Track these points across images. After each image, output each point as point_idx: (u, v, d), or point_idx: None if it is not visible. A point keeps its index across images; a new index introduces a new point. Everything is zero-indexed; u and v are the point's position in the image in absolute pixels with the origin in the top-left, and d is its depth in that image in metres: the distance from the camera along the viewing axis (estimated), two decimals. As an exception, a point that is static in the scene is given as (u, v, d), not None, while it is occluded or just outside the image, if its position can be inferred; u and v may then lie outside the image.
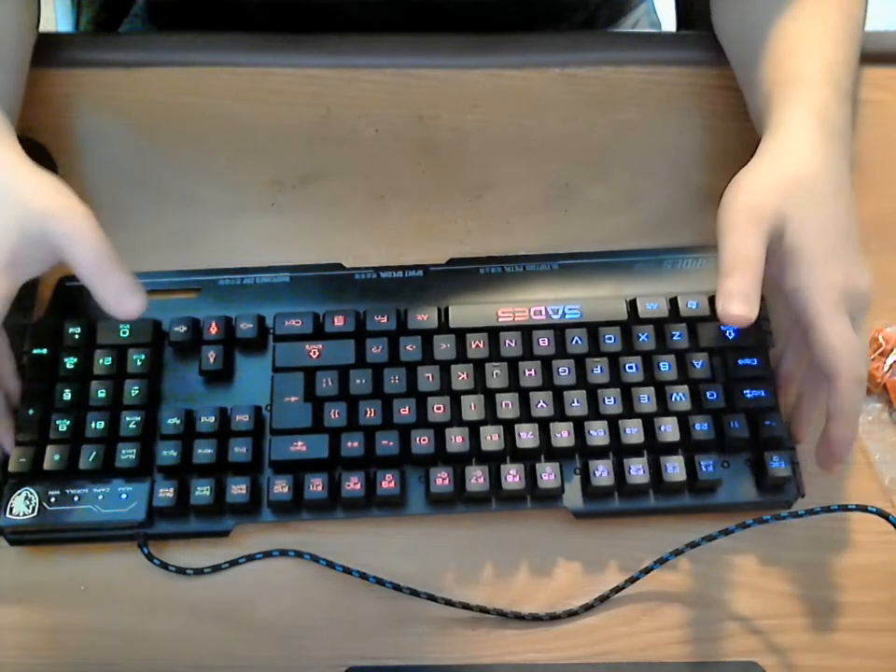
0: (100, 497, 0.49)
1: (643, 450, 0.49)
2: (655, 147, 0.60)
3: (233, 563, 0.49)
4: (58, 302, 0.54)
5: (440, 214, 0.58)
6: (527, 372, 0.50)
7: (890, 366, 0.52)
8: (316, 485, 0.48)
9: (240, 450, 0.49)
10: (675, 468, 0.48)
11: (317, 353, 0.51)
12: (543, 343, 0.51)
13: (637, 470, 0.48)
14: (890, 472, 0.51)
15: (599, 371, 0.50)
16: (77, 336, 0.51)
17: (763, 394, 0.50)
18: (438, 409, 0.49)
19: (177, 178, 0.58)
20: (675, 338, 0.51)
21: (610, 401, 0.50)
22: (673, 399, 0.50)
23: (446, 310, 0.52)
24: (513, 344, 0.51)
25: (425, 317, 0.52)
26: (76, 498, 0.49)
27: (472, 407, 0.50)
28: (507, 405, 0.50)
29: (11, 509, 0.48)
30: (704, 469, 0.48)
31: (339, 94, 0.61)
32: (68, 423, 0.49)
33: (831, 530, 0.50)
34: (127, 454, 0.49)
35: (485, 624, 0.48)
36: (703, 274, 0.54)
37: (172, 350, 0.52)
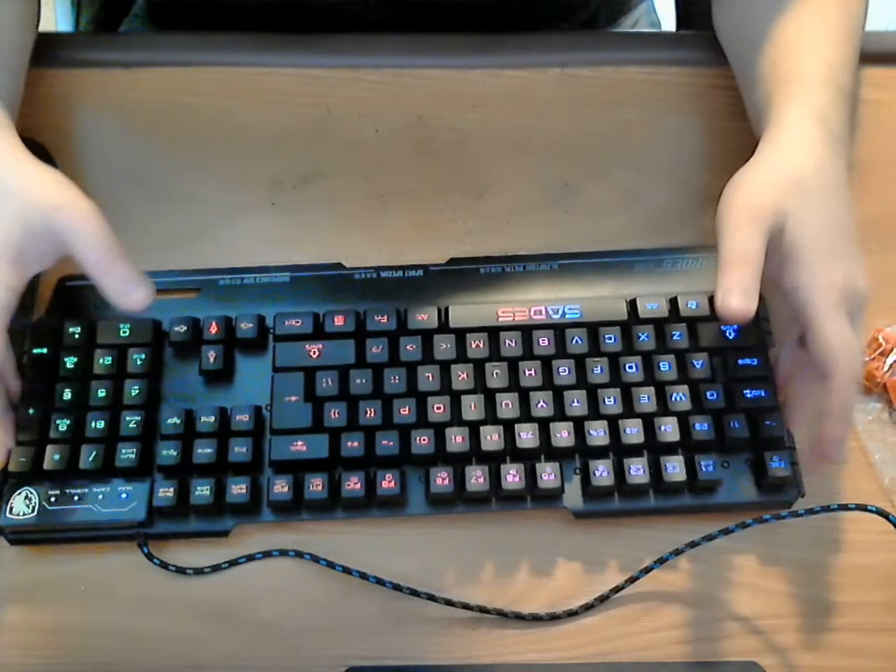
0: (100, 496, 0.49)
1: (643, 450, 0.49)
2: (655, 147, 0.60)
3: (233, 563, 0.49)
4: (58, 302, 0.54)
5: (440, 214, 0.58)
6: (527, 372, 0.50)
7: (890, 366, 0.52)
8: (316, 485, 0.48)
9: (240, 450, 0.49)
10: (675, 468, 0.49)
11: (317, 353, 0.51)
12: (543, 342, 0.51)
13: (637, 470, 0.48)
14: (890, 472, 0.51)
15: (599, 371, 0.50)
16: (77, 336, 0.51)
17: (762, 394, 0.50)
18: (438, 409, 0.49)
19: (177, 178, 0.58)
20: (675, 338, 0.51)
21: (610, 401, 0.50)
22: (673, 398, 0.50)
23: (446, 310, 0.52)
24: (513, 344, 0.51)
25: (425, 317, 0.52)
26: (76, 498, 0.49)
27: (472, 407, 0.50)
28: (507, 405, 0.50)
29: (11, 508, 0.48)
30: (704, 469, 0.48)
31: (339, 94, 0.61)
32: (68, 423, 0.49)
33: (830, 530, 0.50)
34: (127, 453, 0.49)
35: (485, 624, 0.48)
36: (703, 274, 0.54)
37: (172, 350, 0.52)
